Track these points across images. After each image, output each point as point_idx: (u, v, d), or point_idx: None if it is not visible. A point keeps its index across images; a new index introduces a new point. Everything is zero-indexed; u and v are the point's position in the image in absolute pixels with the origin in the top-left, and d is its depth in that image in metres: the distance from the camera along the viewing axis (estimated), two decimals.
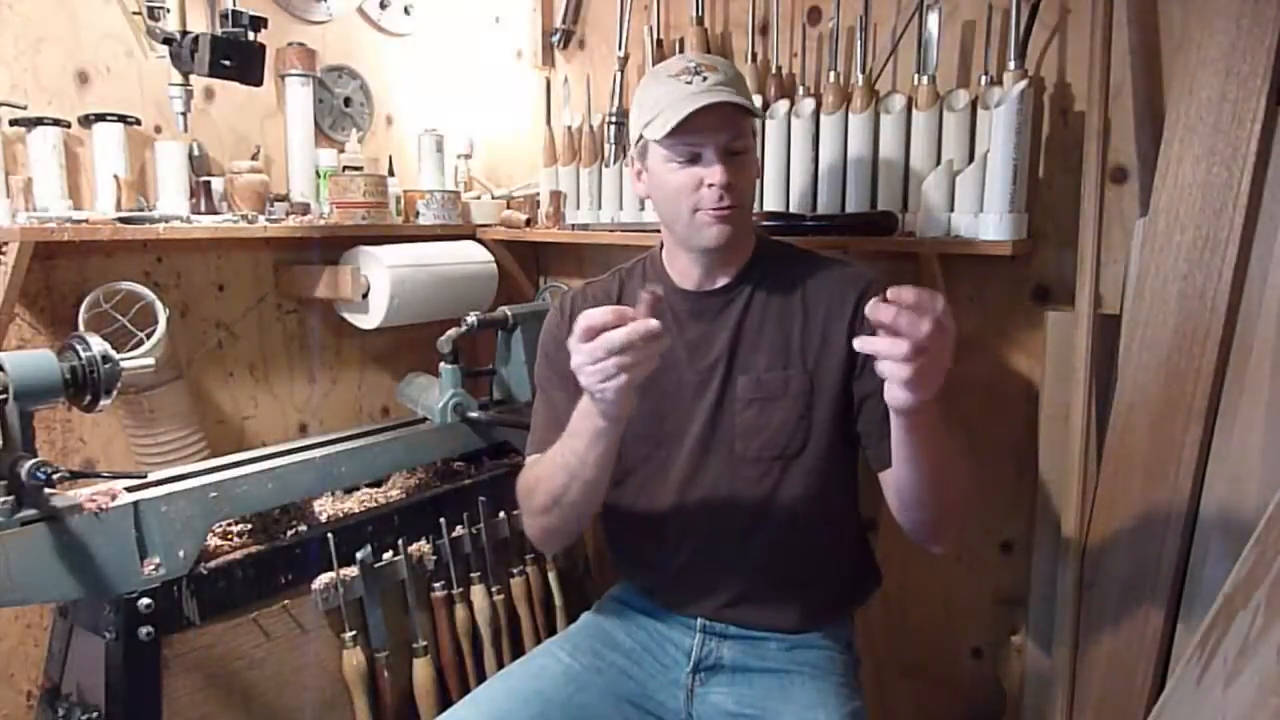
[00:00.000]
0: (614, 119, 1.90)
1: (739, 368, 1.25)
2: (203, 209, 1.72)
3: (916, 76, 1.60)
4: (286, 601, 1.45)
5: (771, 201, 1.74)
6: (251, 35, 1.48)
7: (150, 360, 1.39)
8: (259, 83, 1.51)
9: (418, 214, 2.02)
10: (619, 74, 1.93)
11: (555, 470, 1.16)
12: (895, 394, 0.95)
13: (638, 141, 1.25)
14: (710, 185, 1.17)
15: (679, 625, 1.32)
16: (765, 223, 1.65)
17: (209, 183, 1.73)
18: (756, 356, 1.24)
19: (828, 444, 1.24)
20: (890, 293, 0.90)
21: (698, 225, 1.21)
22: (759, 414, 1.23)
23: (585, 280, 1.43)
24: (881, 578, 1.41)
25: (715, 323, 1.27)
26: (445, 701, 1.61)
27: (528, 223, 2.10)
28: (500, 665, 1.68)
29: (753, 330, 1.25)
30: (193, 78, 1.50)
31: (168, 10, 1.48)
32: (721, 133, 1.17)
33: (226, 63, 1.44)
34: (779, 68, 1.79)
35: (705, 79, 1.17)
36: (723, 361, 1.25)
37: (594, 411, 1.06)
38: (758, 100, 1.73)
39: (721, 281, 1.28)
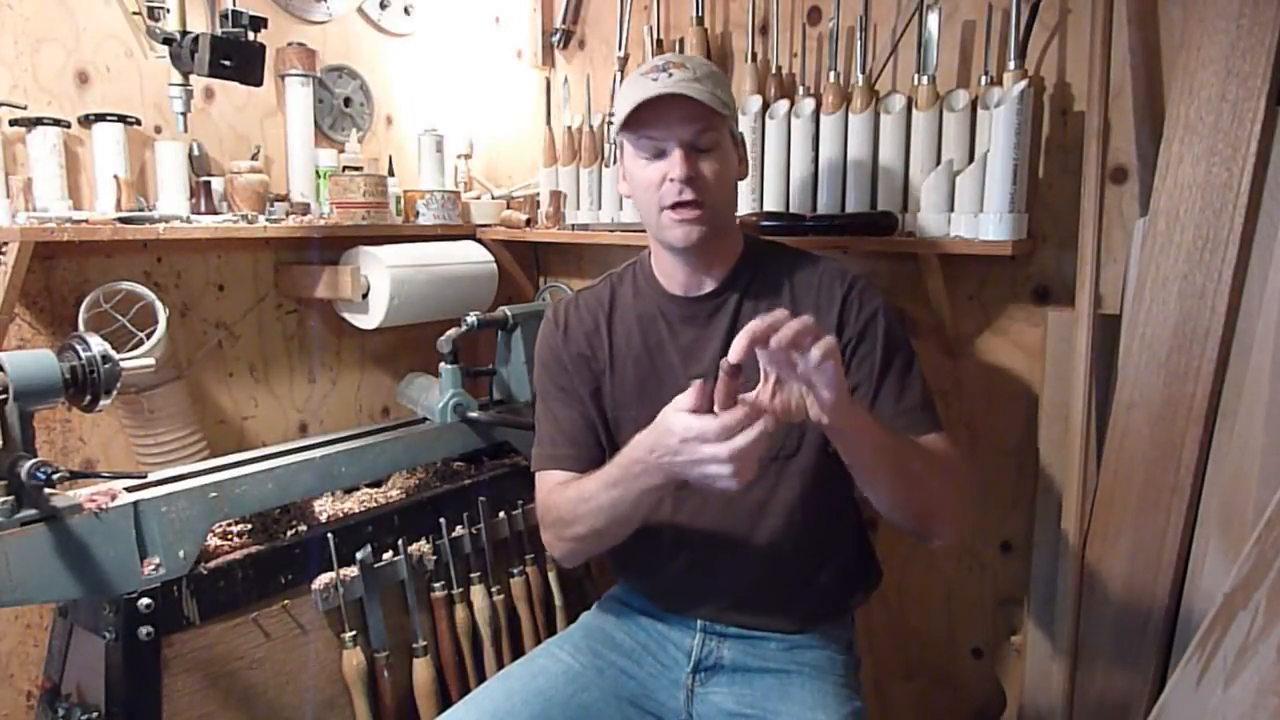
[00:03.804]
0: (614, 119, 1.90)
1: None
2: (203, 209, 1.72)
3: (916, 76, 1.60)
4: (286, 601, 1.45)
5: (771, 201, 1.74)
6: (251, 35, 1.48)
7: (150, 360, 1.39)
8: (259, 83, 1.51)
9: (418, 214, 2.02)
10: (619, 74, 1.93)
11: (597, 511, 1.15)
12: (816, 412, 0.95)
13: (617, 141, 1.25)
14: (672, 180, 1.17)
15: (679, 625, 1.32)
16: (765, 223, 1.65)
17: (209, 183, 1.73)
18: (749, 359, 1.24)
19: (822, 443, 1.23)
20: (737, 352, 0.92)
21: (665, 224, 1.20)
22: None
23: (585, 282, 1.43)
24: (882, 575, 1.40)
25: (707, 328, 1.27)
26: (445, 701, 1.61)
27: (528, 223, 2.10)
28: (500, 665, 1.68)
29: None
30: (193, 78, 1.50)
31: (168, 10, 1.48)
32: (685, 127, 1.17)
33: (226, 63, 1.44)
34: (779, 68, 1.79)
35: (671, 75, 1.16)
36: (714, 366, 1.24)
37: (657, 473, 1.03)
38: (757, 100, 1.73)
39: (709, 286, 1.27)
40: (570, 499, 1.21)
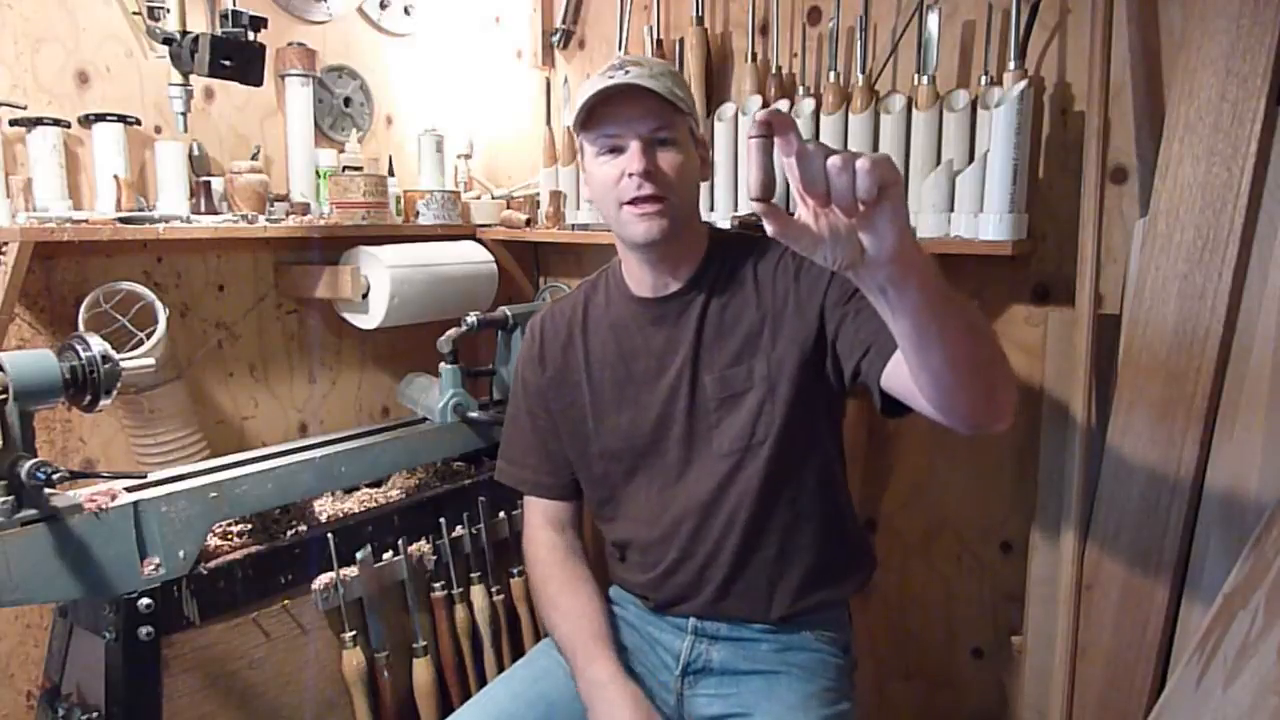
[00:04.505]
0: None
1: (703, 369, 1.24)
2: (203, 209, 1.71)
3: (916, 76, 1.60)
4: (286, 601, 1.45)
5: None
6: (251, 35, 1.48)
7: (150, 360, 1.38)
8: (259, 83, 1.51)
9: (418, 214, 2.02)
10: None
11: (548, 623, 1.34)
12: (871, 244, 0.75)
13: (578, 145, 1.24)
14: (630, 175, 1.15)
15: (670, 628, 1.31)
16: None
17: (209, 183, 1.73)
18: (719, 356, 1.24)
19: (796, 423, 1.22)
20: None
21: (625, 220, 1.19)
22: (731, 410, 1.23)
23: (582, 279, 1.43)
24: (875, 561, 1.39)
25: (676, 327, 1.26)
26: (445, 701, 1.61)
27: (528, 223, 2.10)
28: (500, 665, 1.68)
29: (712, 331, 1.24)
30: (193, 78, 1.50)
31: (168, 10, 1.48)
32: (643, 122, 1.15)
33: (226, 63, 1.44)
34: (779, 68, 1.79)
35: (628, 72, 1.15)
36: (688, 365, 1.25)
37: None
38: (757, 100, 1.73)
39: (675, 286, 1.26)
40: (539, 583, 1.36)
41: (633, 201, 1.17)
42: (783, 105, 1.72)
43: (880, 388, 1.08)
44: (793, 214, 0.76)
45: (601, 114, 1.16)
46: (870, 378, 1.10)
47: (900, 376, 1.02)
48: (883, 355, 1.07)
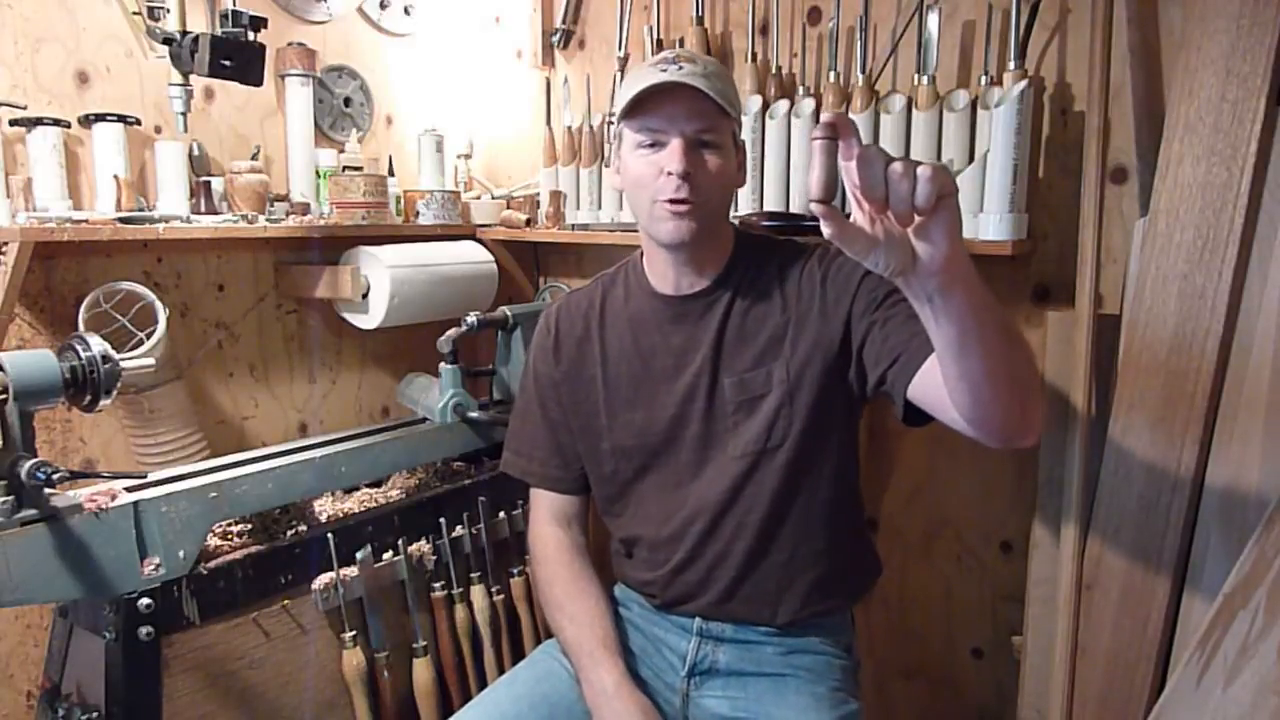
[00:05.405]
0: (614, 119, 1.90)
1: (723, 371, 1.24)
2: (203, 209, 1.72)
3: (916, 76, 1.60)
4: (286, 601, 1.45)
5: (772, 201, 1.74)
6: (251, 35, 1.48)
7: (150, 360, 1.38)
8: (259, 83, 1.51)
9: (418, 214, 2.02)
10: (619, 74, 1.93)
11: (551, 622, 1.32)
12: (924, 251, 0.77)
13: (617, 132, 1.24)
14: (669, 173, 1.14)
15: (676, 629, 1.31)
16: (766, 223, 1.65)
17: (209, 183, 1.73)
18: (739, 358, 1.23)
19: (813, 429, 1.21)
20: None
21: (655, 218, 1.18)
22: (748, 413, 1.23)
23: (585, 282, 1.43)
24: (881, 567, 1.39)
25: (697, 327, 1.25)
26: (445, 701, 1.61)
27: (528, 223, 2.10)
28: (500, 665, 1.69)
29: (734, 333, 1.24)
30: (193, 78, 1.50)
31: (168, 10, 1.48)
32: (689, 121, 1.14)
33: (226, 63, 1.44)
34: (779, 68, 1.79)
35: (681, 68, 1.14)
36: (707, 366, 1.24)
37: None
38: (757, 100, 1.73)
39: (700, 285, 1.25)
40: (544, 583, 1.34)
41: (668, 200, 1.16)
42: (782, 105, 1.72)
43: (905, 397, 1.09)
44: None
45: (647, 106, 1.15)
46: (897, 387, 1.10)
47: (929, 386, 1.03)
48: (911, 365, 1.07)
